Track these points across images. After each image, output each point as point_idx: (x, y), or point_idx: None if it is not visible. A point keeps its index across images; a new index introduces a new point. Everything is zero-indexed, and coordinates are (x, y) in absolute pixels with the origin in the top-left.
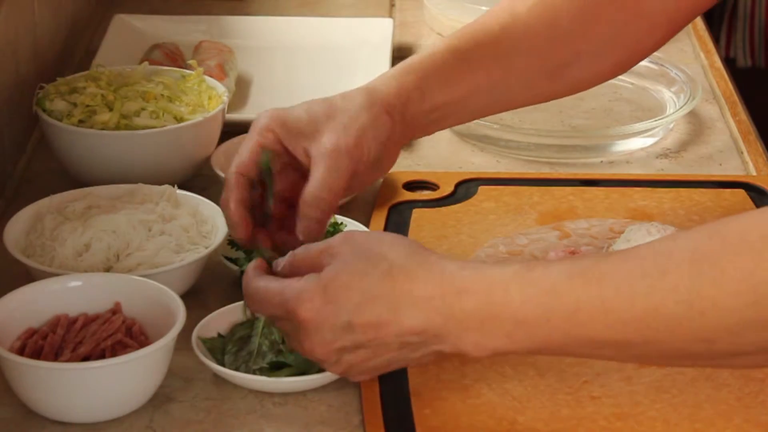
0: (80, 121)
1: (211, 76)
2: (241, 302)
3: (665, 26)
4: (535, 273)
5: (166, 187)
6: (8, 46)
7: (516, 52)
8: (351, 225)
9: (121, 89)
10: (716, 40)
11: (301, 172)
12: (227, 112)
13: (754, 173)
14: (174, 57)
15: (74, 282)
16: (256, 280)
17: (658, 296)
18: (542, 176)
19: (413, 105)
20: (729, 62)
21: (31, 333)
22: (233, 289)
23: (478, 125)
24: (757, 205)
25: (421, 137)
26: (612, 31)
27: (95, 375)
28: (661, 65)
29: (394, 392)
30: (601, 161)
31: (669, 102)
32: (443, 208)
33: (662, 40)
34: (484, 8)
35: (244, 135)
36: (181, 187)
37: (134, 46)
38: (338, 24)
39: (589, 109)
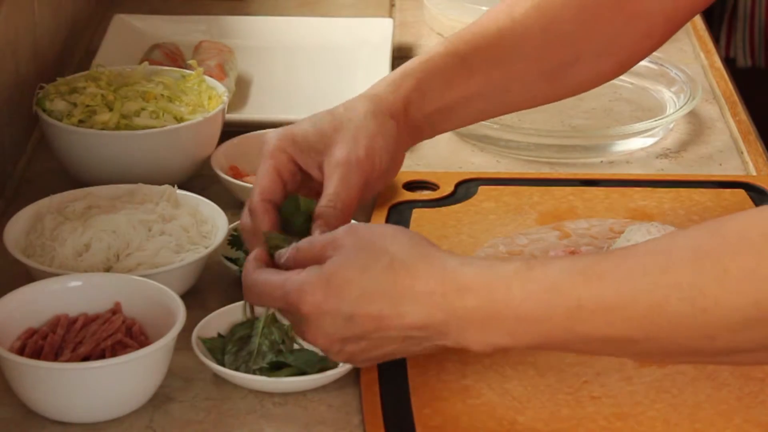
0: (80, 121)
1: (211, 76)
2: (241, 302)
3: (663, 26)
4: (536, 271)
5: (166, 187)
6: (8, 46)
7: (514, 55)
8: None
9: (121, 89)
10: (716, 40)
11: (316, 187)
12: (227, 112)
13: (754, 173)
14: (174, 57)
15: (74, 282)
16: (257, 273)
17: (660, 293)
18: (542, 176)
19: (414, 108)
20: (729, 62)
21: (31, 333)
22: (233, 289)
23: (478, 125)
24: (757, 205)
25: (424, 140)
26: (610, 32)
27: (95, 375)
28: (661, 65)
29: (394, 392)
30: (601, 161)
31: (669, 102)
32: (443, 208)
33: (661, 41)
34: (484, 8)
35: (244, 135)
36: (181, 187)
37: (134, 46)
38: (338, 24)
39: (589, 109)
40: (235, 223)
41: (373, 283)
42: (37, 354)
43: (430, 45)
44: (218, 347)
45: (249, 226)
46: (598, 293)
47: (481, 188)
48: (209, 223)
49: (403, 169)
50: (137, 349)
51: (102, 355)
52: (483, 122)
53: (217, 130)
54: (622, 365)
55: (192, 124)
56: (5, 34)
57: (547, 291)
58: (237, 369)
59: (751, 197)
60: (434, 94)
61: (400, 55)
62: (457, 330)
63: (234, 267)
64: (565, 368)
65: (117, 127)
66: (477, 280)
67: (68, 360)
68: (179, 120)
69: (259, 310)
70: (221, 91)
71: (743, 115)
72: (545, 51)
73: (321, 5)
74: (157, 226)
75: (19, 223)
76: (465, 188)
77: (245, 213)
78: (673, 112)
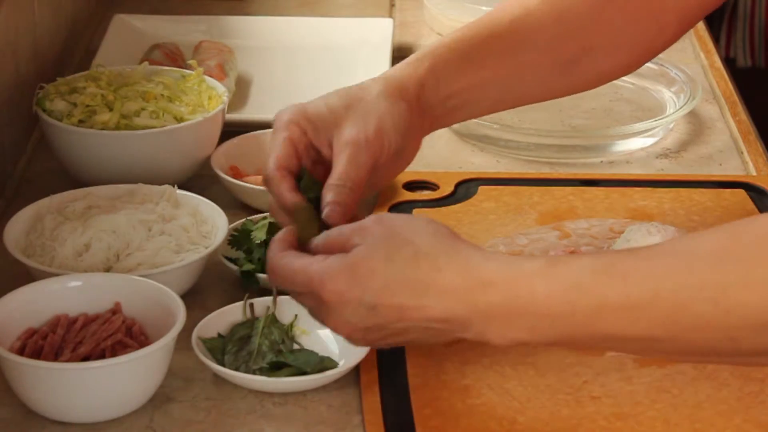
0: (80, 121)
1: (211, 76)
2: (241, 302)
3: (675, 24)
4: (559, 268)
5: (166, 187)
6: (8, 46)
7: (527, 45)
8: None
9: (121, 89)
10: (716, 40)
11: (325, 164)
12: (227, 112)
13: (754, 173)
14: (174, 57)
15: (74, 282)
16: (280, 256)
17: (684, 294)
18: (542, 176)
19: (428, 92)
20: (729, 62)
21: (31, 333)
22: (233, 289)
23: (478, 125)
24: (757, 205)
25: (441, 128)
26: (621, 27)
27: (95, 375)
28: (661, 65)
29: (394, 392)
30: (601, 161)
31: (669, 102)
32: (443, 208)
33: (672, 38)
34: (484, 8)
35: (244, 135)
36: (181, 187)
37: (134, 46)
38: (338, 24)
39: (589, 109)
40: (235, 223)
41: (397, 274)
42: (37, 354)
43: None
44: (218, 347)
45: (272, 200)
46: (622, 292)
47: (481, 188)
48: (209, 223)
49: None
50: (137, 349)
51: (102, 355)
52: (483, 122)
53: (217, 130)
54: (622, 365)
55: (192, 124)
56: (5, 34)
57: (569, 288)
58: (237, 369)
59: (751, 197)
60: (448, 78)
61: (400, 55)
62: (479, 324)
63: (234, 267)
64: (565, 368)
65: (117, 127)
66: (500, 275)
67: (68, 360)
68: (179, 120)
69: (259, 310)
70: (221, 91)
71: (743, 115)
72: (557, 42)
73: (321, 5)
74: (157, 226)
75: (19, 223)
76: (465, 188)
77: (266, 188)
78: (673, 112)
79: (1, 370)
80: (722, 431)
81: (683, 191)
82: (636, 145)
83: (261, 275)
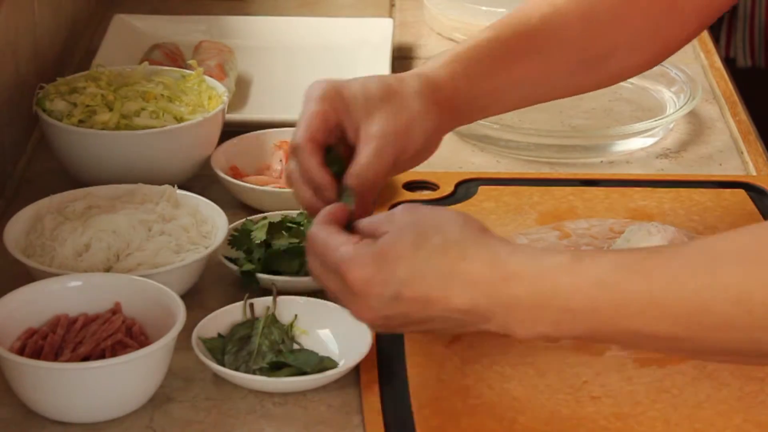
0: (80, 121)
1: (211, 76)
2: (241, 302)
3: (697, 20)
4: (585, 263)
5: (166, 187)
6: (8, 46)
7: (555, 43)
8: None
9: (121, 89)
10: (716, 40)
11: (348, 146)
12: (227, 112)
13: (754, 173)
14: (174, 57)
15: (74, 282)
16: (322, 227)
17: (708, 294)
18: (542, 176)
19: (461, 94)
20: (729, 62)
21: (31, 333)
22: (233, 289)
23: (478, 125)
24: (757, 205)
25: (462, 125)
26: (647, 24)
27: (95, 375)
28: (661, 65)
29: (394, 392)
30: (601, 161)
31: (669, 102)
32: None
33: (693, 34)
34: (483, 8)
35: (244, 135)
36: (181, 187)
37: (134, 46)
38: (338, 24)
39: (589, 109)
40: (235, 223)
41: (423, 262)
42: (37, 354)
43: (430, 45)
44: (218, 347)
45: (295, 169)
46: (646, 290)
47: (481, 188)
48: (209, 223)
49: None
50: (137, 349)
51: (102, 355)
52: (483, 122)
53: (217, 130)
54: (622, 365)
55: (192, 124)
56: (5, 34)
57: (594, 284)
58: (237, 369)
59: (751, 197)
60: (479, 80)
61: (400, 55)
62: (502, 317)
63: (234, 267)
64: (565, 368)
65: (117, 127)
66: (525, 268)
67: (68, 360)
68: (179, 120)
69: (259, 310)
70: (221, 91)
71: (743, 115)
72: (584, 40)
73: (321, 5)
74: (157, 226)
75: (19, 223)
76: (465, 188)
77: (290, 156)
78: (673, 112)
79: (1, 370)
80: (722, 431)
81: (683, 191)
82: (636, 145)
83: (261, 275)
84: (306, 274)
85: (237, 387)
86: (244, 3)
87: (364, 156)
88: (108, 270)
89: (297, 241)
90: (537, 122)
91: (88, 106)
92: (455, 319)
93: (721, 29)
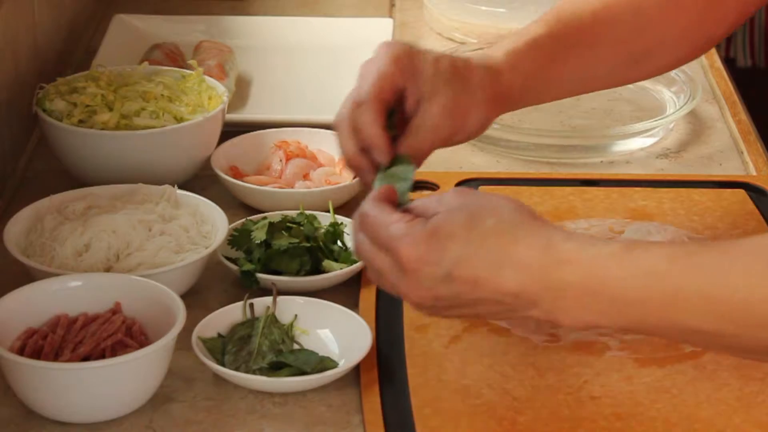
0: (80, 121)
1: (211, 76)
2: (241, 302)
3: (736, 13)
4: (636, 253)
5: (166, 187)
6: (8, 46)
7: (605, 40)
8: (351, 225)
9: (121, 89)
10: None
11: (402, 112)
12: (227, 112)
13: (754, 173)
14: (174, 57)
15: (74, 282)
16: (374, 205)
17: (759, 294)
18: (542, 176)
19: (515, 87)
20: (729, 62)
21: (31, 333)
22: (233, 289)
23: None
24: (757, 205)
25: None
26: (691, 19)
27: (95, 375)
28: None
29: (394, 392)
30: (601, 161)
31: (669, 102)
32: None
33: (732, 27)
34: (483, 8)
35: (244, 135)
36: (181, 187)
37: (134, 46)
38: (338, 24)
39: (589, 109)
40: (235, 223)
41: (476, 243)
42: (37, 354)
43: (430, 45)
44: (218, 347)
45: (347, 120)
46: (696, 284)
47: (481, 188)
48: (209, 223)
49: None
50: (137, 349)
51: (102, 355)
52: None
53: (217, 130)
54: (622, 365)
55: (192, 124)
56: (5, 34)
57: (645, 274)
58: (237, 369)
59: (751, 197)
60: (534, 75)
61: None
62: (549, 302)
63: (234, 267)
64: (565, 368)
65: (117, 127)
66: (577, 255)
67: (68, 360)
68: (179, 120)
69: (259, 310)
70: (221, 91)
71: (743, 115)
72: (633, 35)
73: (321, 5)
74: (157, 226)
75: (19, 223)
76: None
77: (347, 104)
78: (673, 112)
79: (1, 370)
80: (722, 431)
81: (683, 191)
82: (636, 145)
83: (261, 275)
84: (306, 273)
85: (237, 387)
86: (244, 3)
87: (422, 130)
88: (108, 270)
89: (297, 241)
90: (537, 122)
91: (88, 106)
92: (503, 303)
93: None
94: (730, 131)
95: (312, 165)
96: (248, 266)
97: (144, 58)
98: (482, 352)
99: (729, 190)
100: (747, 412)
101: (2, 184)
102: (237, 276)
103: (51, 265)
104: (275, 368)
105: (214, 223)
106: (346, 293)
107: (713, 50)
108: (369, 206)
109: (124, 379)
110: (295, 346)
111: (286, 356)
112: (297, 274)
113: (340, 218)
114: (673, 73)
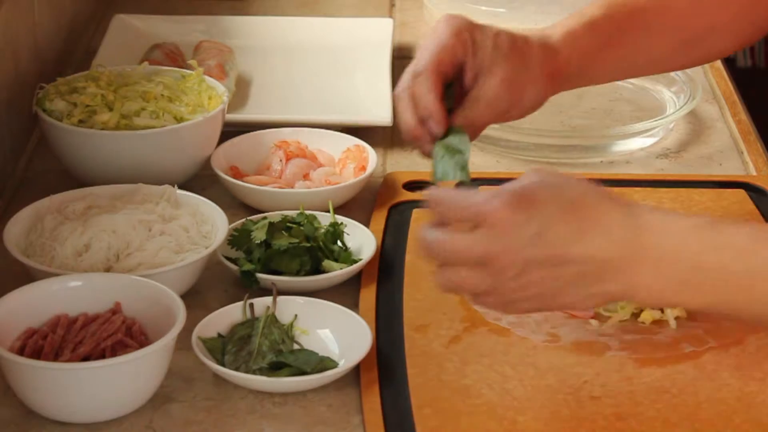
0: (80, 121)
1: (211, 76)
2: (241, 302)
3: None
4: (721, 227)
5: (166, 187)
6: (8, 46)
7: (661, 23)
8: (351, 225)
9: (121, 89)
10: None
11: (461, 85)
12: (227, 112)
13: (754, 173)
14: (174, 57)
15: (74, 282)
16: (443, 191)
17: None
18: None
19: (571, 67)
20: (729, 62)
21: (31, 333)
22: (233, 289)
23: None
24: (757, 205)
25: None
26: (742, 6)
27: (95, 375)
28: None
29: (394, 392)
30: (601, 161)
31: (669, 102)
32: None
33: None
34: (483, 8)
35: (244, 135)
36: (181, 187)
37: (134, 46)
38: (338, 24)
39: (589, 109)
40: (235, 223)
41: (564, 208)
42: (37, 354)
43: None
44: (218, 347)
45: (406, 91)
46: None
47: (481, 188)
48: (209, 223)
49: (403, 169)
50: (137, 349)
51: (102, 355)
52: None
53: (217, 130)
54: (622, 365)
55: (192, 124)
56: (5, 34)
57: (726, 247)
58: (237, 369)
59: (751, 197)
60: (590, 56)
61: (400, 55)
62: (631, 269)
63: (234, 267)
64: (565, 368)
65: (117, 127)
66: (662, 225)
67: (68, 360)
68: (179, 120)
69: (259, 310)
70: (221, 91)
71: (743, 115)
72: (688, 20)
73: (321, 5)
74: (157, 226)
75: (19, 223)
76: (465, 188)
77: (406, 76)
78: (673, 112)
79: (1, 370)
80: (722, 431)
81: (683, 191)
82: (636, 145)
83: (261, 275)
84: (306, 273)
85: (237, 387)
86: (244, 3)
87: (479, 102)
88: (108, 270)
89: (297, 241)
90: (537, 122)
91: (88, 106)
92: (586, 271)
93: None
94: (730, 131)
95: (312, 165)
96: (248, 266)
97: (144, 58)
98: (482, 352)
99: (729, 190)
100: (747, 412)
101: (2, 184)
102: (237, 276)
103: (51, 265)
104: (275, 368)
105: (214, 223)
106: (346, 293)
107: None
108: (439, 193)
109: (124, 379)
110: (295, 346)
111: (286, 356)
112: (297, 274)
113: (340, 218)
114: (672, 72)
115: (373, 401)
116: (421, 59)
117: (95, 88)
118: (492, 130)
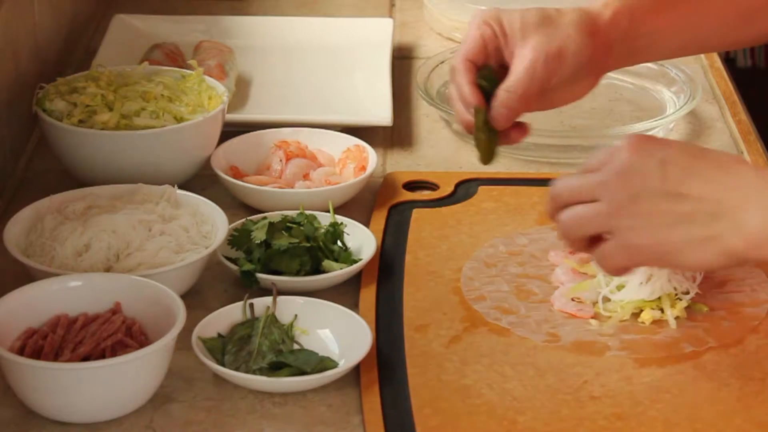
0: (80, 121)
1: (211, 76)
2: (241, 302)
3: None
4: None
5: (166, 187)
6: (8, 46)
7: None
8: (351, 225)
9: (121, 89)
10: None
11: (507, 70)
12: (227, 112)
13: None
14: (174, 57)
15: (74, 282)
16: (561, 179)
17: None
18: (542, 176)
19: (618, 31)
20: (729, 62)
21: (31, 333)
22: (233, 289)
23: None
24: None
25: (623, 66)
26: None
27: (95, 375)
28: (661, 65)
29: (394, 392)
30: None
31: (669, 102)
32: (443, 208)
33: None
34: (483, 8)
35: (244, 135)
36: (181, 187)
37: (134, 46)
38: (338, 24)
39: (589, 109)
40: (235, 223)
41: (688, 148)
42: (37, 354)
43: (430, 45)
44: (218, 347)
45: (453, 90)
46: None
47: (481, 188)
48: (209, 223)
49: (403, 169)
50: (137, 349)
51: (102, 355)
52: None
53: (217, 130)
54: (622, 365)
55: (192, 124)
56: (5, 34)
57: None
58: (237, 369)
59: None
60: (639, 20)
61: (400, 55)
62: (742, 208)
63: (234, 267)
64: (565, 368)
65: (117, 127)
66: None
67: (68, 360)
68: (179, 120)
69: (259, 310)
70: (221, 91)
71: (743, 115)
72: None
73: (321, 5)
74: (157, 226)
75: (19, 223)
76: (465, 188)
77: (450, 79)
78: (673, 112)
79: (1, 370)
80: (722, 431)
81: None
82: None
83: (261, 275)
84: (306, 273)
85: (237, 387)
86: (244, 3)
87: (515, 72)
88: (108, 270)
89: (297, 241)
90: (537, 122)
91: (88, 106)
92: (699, 211)
93: None
94: (730, 131)
95: (312, 165)
96: (248, 266)
97: (144, 58)
98: (482, 352)
99: None
100: (747, 412)
101: (2, 184)
102: (237, 276)
103: (51, 265)
104: (275, 368)
105: (214, 223)
106: (346, 293)
107: None
108: (557, 183)
109: (124, 379)
110: (295, 346)
111: (286, 356)
112: (297, 274)
113: (340, 218)
114: (672, 73)
115: (373, 401)
116: (455, 56)
117: (95, 88)
118: None
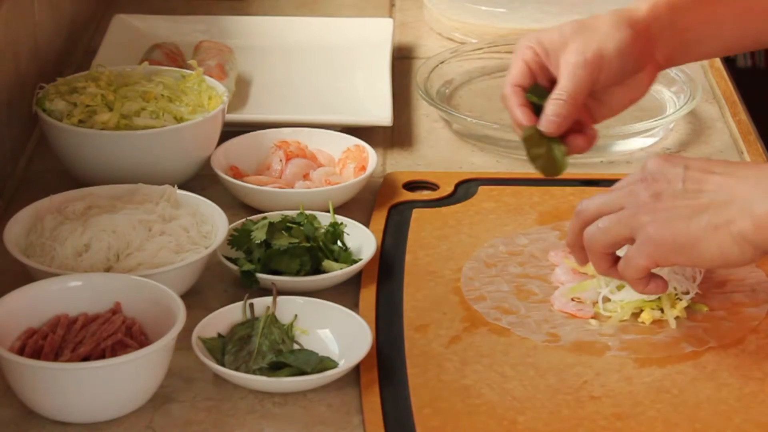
0: (80, 121)
1: (211, 76)
2: (241, 302)
3: None
4: None
5: (166, 187)
6: (8, 46)
7: None
8: (351, 225)
9: (121, 89)
10: None
11: (555, 84)
12: (227, 112)
13: None
14: (174, 57)
15: (74, 282)
16: (586, 200)
17: None
18: (542, 176)
19: (661, 23)
20: (729, 62)
21: (31, 333)
22: (233, 289)
23: (478, 125)
24: None
25: (679, 64)
26: None
27: (95, 375)
28: None
29: (394, 392)
30: (601, 161)
31: (669, 102)
32: (443, 208)
33: None
34: (483, 8)
35: (244, 135)
36: (181, 187)
37: (134, 46)
38: (338, 24)
39: None
40: (235, 223)
41: (705, 159)
42: (37, 354)
43: (430, 45)
44: (218, 347)
45: (507, 108)
46: None
47: (481, 188)
48: (209, 223)
49: (403, 169)
50: (137, 349)
51: (102, 355)
52: (483, 122)
53: (217, 130)
54: (622, 365)
55: (192, 124)
56: (5, 34)
57: None
58: (237, 369)
59: None
60: (683, 11)
61: (400, 55)
62: (749, 192)
63: (234, 267)
64: (565, 368)
65: (117, 127)
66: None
67: (68, 360)
68: (179, 120)
69: (259, 310)
70: (221, 91)
71: (743, 115)
72: None
73: (321, 5)
74: (157, 226)
75: (19, 223)
76: (465, 188)
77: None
78: (673, 112)
79: (1, 370)
80: (722, 431)
81: None
82: (636, 145)
83: (261, 275)
84: (306, 273)
85: (237, 387)
86: (244, 3)
87: (560, 81)
88: (108, 270)
89: (297, 241)
90: None
91: (88, 106)
92: (716, 201)
93: None
94: (730, 131)
95: (312, 165)
96: (248, 266)
97: (144, 58)
98: (482, 352)
99: None
100: (747, 412)
101: (2, 184)
102: (237, 276)
103: (51, 265)
104: (275, 368)
105: (214, 223)
106: (346, 293)
107: None
108: (584, 202)
109: (124, 379)
110: (295, 346)
111: (286, 356)
112: (297, 274)
113: (340, 218)
114: (673, 73)
115: (373, 401)
116: (504, 85)
117: (95, 88)
118: (492, 130)
